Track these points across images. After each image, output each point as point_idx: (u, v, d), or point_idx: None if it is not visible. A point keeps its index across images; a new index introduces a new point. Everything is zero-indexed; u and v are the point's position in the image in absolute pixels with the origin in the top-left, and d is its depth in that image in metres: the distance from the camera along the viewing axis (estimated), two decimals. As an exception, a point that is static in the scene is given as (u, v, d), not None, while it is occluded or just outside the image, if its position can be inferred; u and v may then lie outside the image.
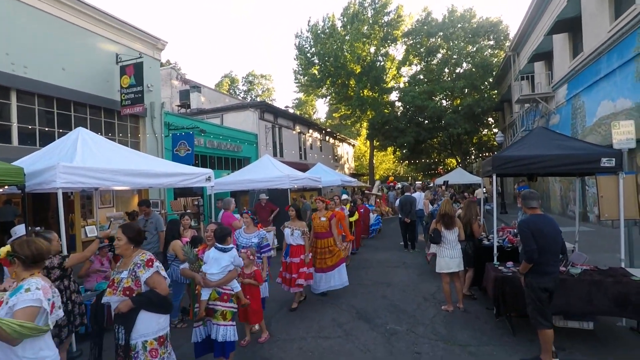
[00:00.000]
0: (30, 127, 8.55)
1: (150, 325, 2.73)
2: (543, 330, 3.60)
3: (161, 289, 2.77)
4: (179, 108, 19.51)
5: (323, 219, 6.14)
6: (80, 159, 4.62)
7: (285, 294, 5.84)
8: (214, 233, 3.78)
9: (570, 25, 12.82)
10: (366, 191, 18.12)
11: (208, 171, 6.54)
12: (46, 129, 8.87)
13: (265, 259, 4.83)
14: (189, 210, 10.50)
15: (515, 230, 6.22)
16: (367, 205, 12.20)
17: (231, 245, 3.71)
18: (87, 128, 6.52)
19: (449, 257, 5.19)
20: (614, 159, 4.59)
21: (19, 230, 4.58)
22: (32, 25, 8.45)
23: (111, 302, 2.76)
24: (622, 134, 4.93)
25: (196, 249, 3.91)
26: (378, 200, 15.33)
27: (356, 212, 9.84)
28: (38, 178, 4.37)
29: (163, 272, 2.83)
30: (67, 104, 9.35)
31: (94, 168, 4.60)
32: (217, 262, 3.59)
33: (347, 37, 27.09)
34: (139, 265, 2.74)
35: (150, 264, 2.76)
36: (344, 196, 9.86)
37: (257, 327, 4.70)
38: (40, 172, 4.36)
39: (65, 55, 9.13)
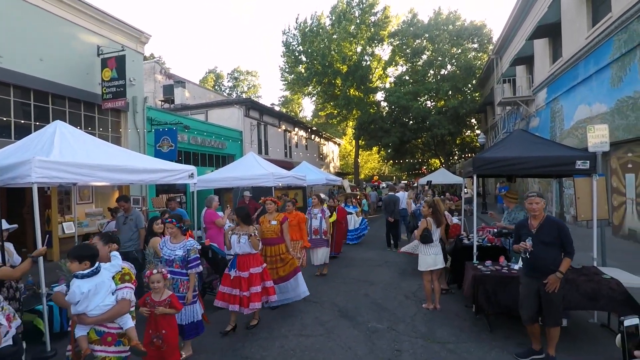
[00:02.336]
0: (5, 119, 8.25)
1: None
2: (558, 327, 3.68)
3: None
4: (163, 103, 19.20)
5: (274, 222, 5.33)
6: (57, 153, 4.47)
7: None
8: (69, 254, 2.70)
9: (551, 30, 13.20)
10: (341, 190, 16.71)
11: (191, 168, 6.45)
12: (22, 121, 8.58)
13: (192, 277, 3.96)
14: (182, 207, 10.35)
15: (495, 230, 6.35)
16: (344, 207, 10.96)
17: (93, 269, 2.65)
18: (65, 121, 6.35)
19: (434, 253, 5.27)
20: (588, 162, 4.76)
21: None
22: (8, 14, 8.15)
23: None
24: (596, 138, 5.10)
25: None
26: (355, 200, 14.18)
27: (334, 213, 8.99)
28: (12, 172, 4.20)
29: None
30: (45, 96, 9.06)
31: (72, 163, 4.45)
32: (84, 296, 2.65)
33: (334, 36, 27.12)
34: None
35: None
36: (322, 195, 9.04)
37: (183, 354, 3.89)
38: (15, 166, 4.20)
39: (43, 45, 8.84)
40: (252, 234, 4.58)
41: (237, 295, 4.59)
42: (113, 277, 2.78)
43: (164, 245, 4.11)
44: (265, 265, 4.88)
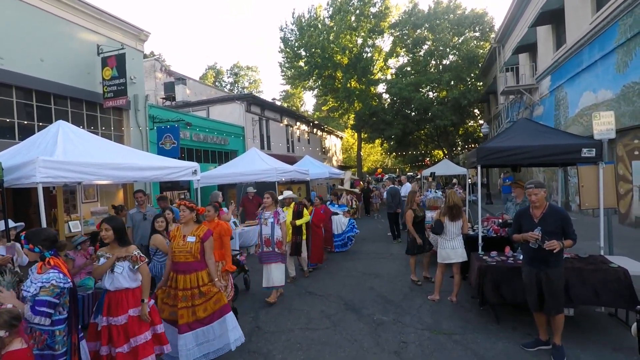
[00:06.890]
0: (8, 120, 8.28)
1: None
2: (561, 315, 3.65)
3: None
4: (164, 100, 19.16)
5: (191, 238, 3.61)
6: (61, 153, 4.50)
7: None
8: None
9: (554, 17, 12.99)
10: (339, 186, 14.93)
11: (194, 164, 6.48)
12: (25, 122, 8.60)
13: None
14: (174, 205, 10.38)
15: (500, 220, 6.33)
16: (330, 206, 9.66)
17: None
18: (68, 121, 6.36)
19: (449, 248, 5.24)
20: (594, 150, 4.71)
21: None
22: (8, 15, 8.13)
23: None
24: (602, 125, 5.04)
25: None
26: (349, 198, 12.84)
27: (305, 213, 6.87)
28: (17, 173, 4.24)
29: None
30: (47, 96, 9.07)
31: (76, 162, 4.48)
32: None
33: (333, 28, 26.89)
34: None
35: None
36: (288, 193, 7.26)
37: None
38: (19, 167, 4.23)
39: (43, 46, 8.83)
40: (136, 255, 3.11)
41: (105, 355, 3.06)
42: None
43: (30, 275, 2.70)
44: (152, 302, 3.35)
